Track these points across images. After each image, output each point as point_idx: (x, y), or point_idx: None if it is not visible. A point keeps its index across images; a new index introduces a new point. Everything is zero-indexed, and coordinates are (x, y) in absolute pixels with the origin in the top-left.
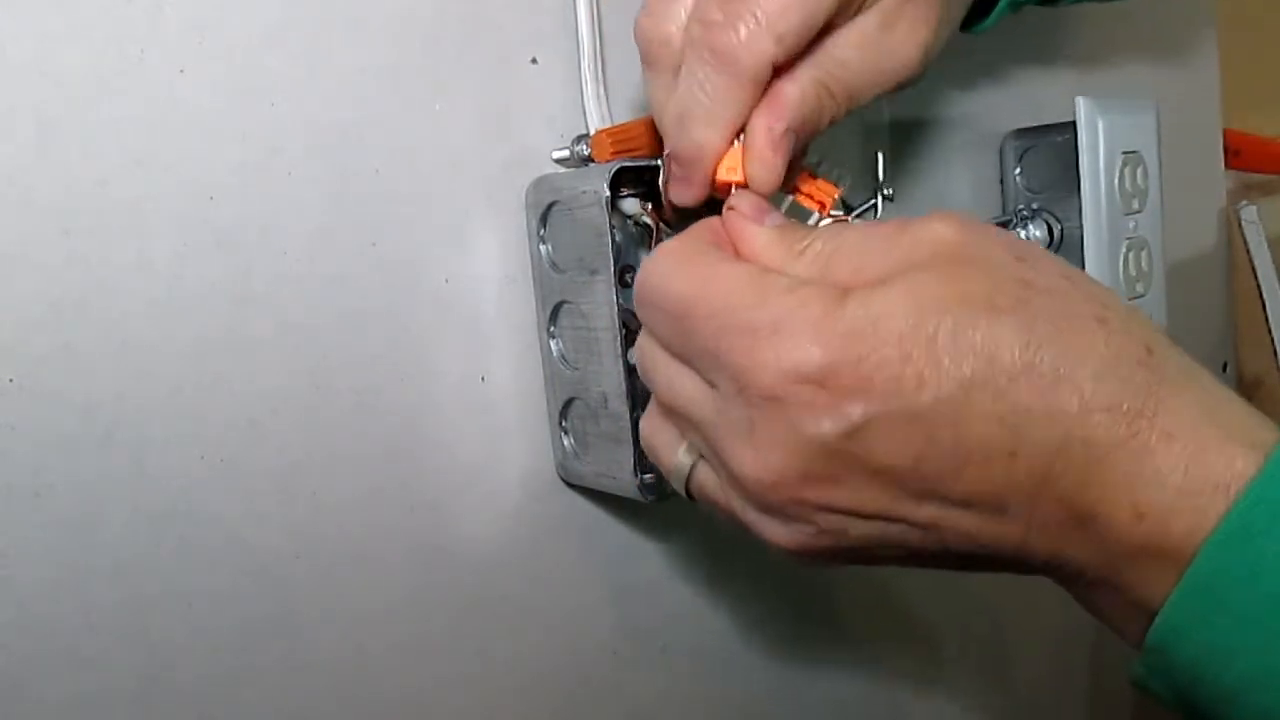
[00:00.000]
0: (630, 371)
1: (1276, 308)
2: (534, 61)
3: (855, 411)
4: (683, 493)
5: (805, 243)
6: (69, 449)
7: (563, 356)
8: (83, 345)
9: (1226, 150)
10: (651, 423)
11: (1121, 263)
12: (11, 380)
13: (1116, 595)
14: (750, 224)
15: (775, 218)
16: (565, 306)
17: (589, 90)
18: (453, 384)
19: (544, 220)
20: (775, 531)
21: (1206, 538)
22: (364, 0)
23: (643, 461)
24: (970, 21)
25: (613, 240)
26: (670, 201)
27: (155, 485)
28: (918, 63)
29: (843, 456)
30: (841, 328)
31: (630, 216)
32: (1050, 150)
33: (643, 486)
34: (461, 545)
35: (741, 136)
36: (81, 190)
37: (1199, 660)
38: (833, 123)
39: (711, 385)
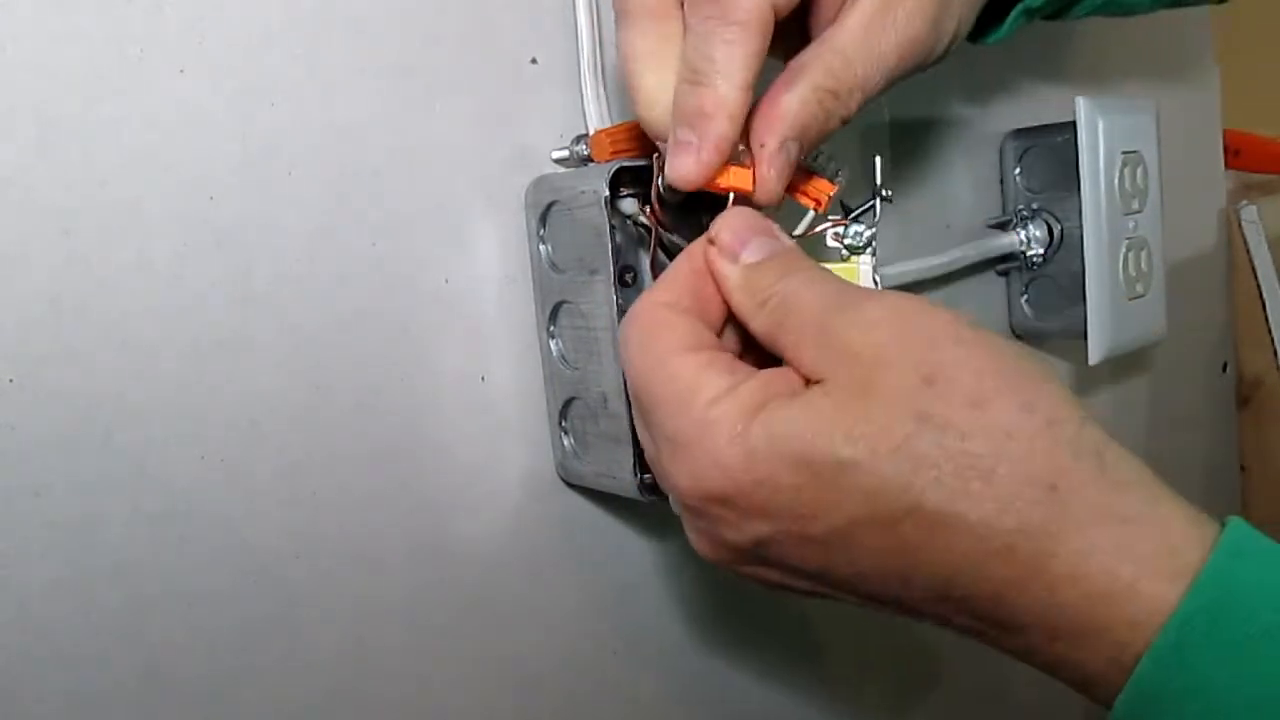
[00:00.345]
0: None
1: (1276, 308)
2: (534, 61)
3: (760, 529)
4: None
5: (766, 294)
6: (69, 449)
7: (563, 356)
8: (83, 345)
9: (1226, 150)
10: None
11: (1121, 263)
12: (11, 380)
13: (1065, 682)
14: (725, 264)
15: (753, 250)
16: (565, 306)
17: (589, 90)
18: (453, 384)
19: (543, 220)
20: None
21: (1124, 683)
22: (364, 0)
23: (642, 461)
24: (981, 33)
25: (612, 240)
26: (661, 188)
27: (155, 485)
28: (927, 45)
29: (759, 556)
30: (746, 449)
31: (629, 216)
32: (1050, 150)
33: (642, 486)
34: (461, 545)
35: (741, 148)
36: (81, 190)
37: None
38: (844, 122)
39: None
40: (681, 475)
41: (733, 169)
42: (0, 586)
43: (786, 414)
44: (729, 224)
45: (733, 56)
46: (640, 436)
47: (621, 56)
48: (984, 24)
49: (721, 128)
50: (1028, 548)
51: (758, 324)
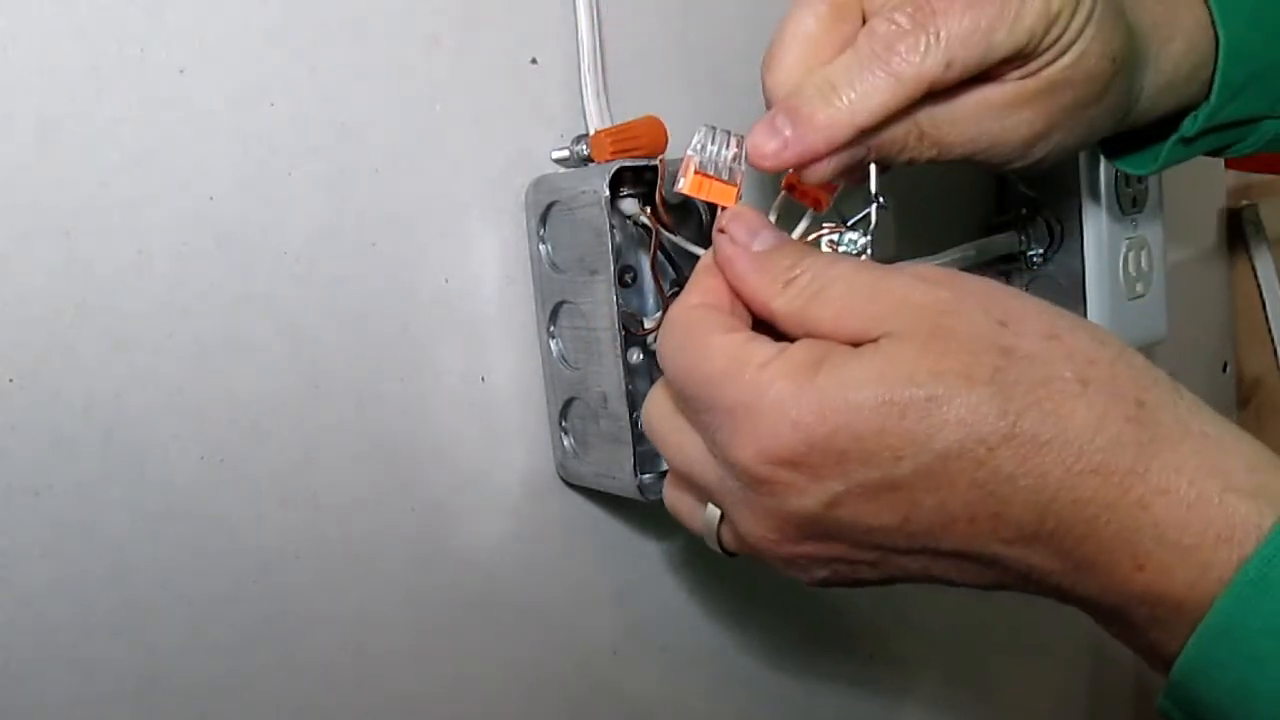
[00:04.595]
0: (630, 371)
1: (1276, 308)
2: (534, 61)
3: (835, 486)
4: (717, 550)
5: (792, 275)
6: (69, 449)
7: (563, 356)
8: (83, 345)
9: None
10: (671, 492)
11: (1121, 263)
12: (11, 380)
13: (1132, 633)
14: (739, 255)
15: (763, 239)
16: (565, 306)
17: (589, 90)
18: (453, 384)
19: (544, 220)
20: (795, 574)
21: (1220, 590)
22: (364, 0)
23: (643, 461)
24: (1127, 153)
25: (612, 240)
26: (665, 191)
27: (155, 485)
28: (1017, 153)
29: (831, 522)
30: (812, 402)
31: (629, 216)
32: None
33: (642, 486)
34: (461, 545)
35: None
36: (81, 190)
37: (1221, 701)
38: (911, 163)
39: (713, 453)
40: (745, 445)
41: (715, 183)
42: (0, 586)
43: (854, 366)
44: (738, 216)
45: (871, 104)
46: (680, 443)
47: (782, 22)
48: (1132, 145)
49: (817, 145)
50: (1122, 463)
51: (782, 303)
